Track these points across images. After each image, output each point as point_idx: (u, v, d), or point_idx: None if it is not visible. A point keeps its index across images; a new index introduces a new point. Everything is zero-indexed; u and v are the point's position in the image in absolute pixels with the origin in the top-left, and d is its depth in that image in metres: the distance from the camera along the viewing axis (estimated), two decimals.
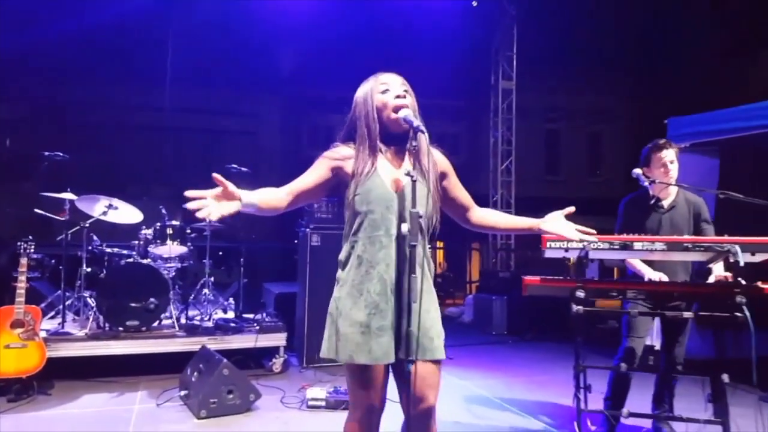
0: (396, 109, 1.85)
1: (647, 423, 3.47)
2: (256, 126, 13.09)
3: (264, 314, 4.99)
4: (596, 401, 3.08)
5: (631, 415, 3.03)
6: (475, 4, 9.11)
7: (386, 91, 1.89)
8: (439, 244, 15.94)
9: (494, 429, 3.54)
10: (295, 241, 5.37)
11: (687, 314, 2.83)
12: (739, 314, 2.61)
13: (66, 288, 4.54)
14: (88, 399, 3.85)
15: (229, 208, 1.68)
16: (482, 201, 9.12)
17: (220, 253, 5.81)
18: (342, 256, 1.90)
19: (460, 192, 2.06)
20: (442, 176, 1.99)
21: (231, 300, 5.37)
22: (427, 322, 1.83)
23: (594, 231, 2.07)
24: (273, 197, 1.84)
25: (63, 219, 4.46)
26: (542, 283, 3.21)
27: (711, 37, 10.08)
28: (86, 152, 7.68)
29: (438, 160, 1.98)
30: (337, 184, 1.92)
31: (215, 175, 1.70)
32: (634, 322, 3.25)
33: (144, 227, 4.77)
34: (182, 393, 3.79)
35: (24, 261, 3.88)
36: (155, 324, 4.52)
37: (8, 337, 3.74)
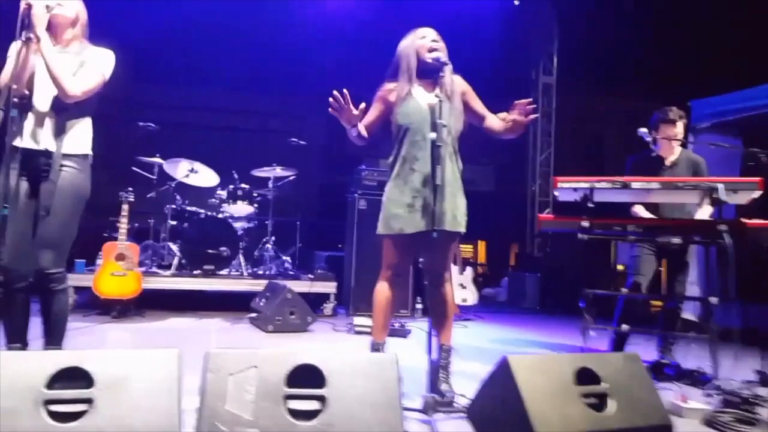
0: (431, 50, 2.54)
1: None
2: (301, 126, 13.97)
3: (317, 270, 5.70)
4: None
5: (631, 330, 3.55)
6: (516, 2, 9.56)
7: (424, 38, 2.59)
8: (481, 243, 16.46)
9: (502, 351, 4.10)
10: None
11: (675, 240, 3.30)
12: (720, 240, 3.11)
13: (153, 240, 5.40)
14: (175, 321, 4.64)
15: (352, 119, 2.49)
16: (522, 195, 9.41)
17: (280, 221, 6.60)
18: (390, 159, 2.58)
19: (477, 104, 2.75)
20: (463, 94, 2.69)
21: (288, 258, 6.10)
22: (453, 203, 2.49)
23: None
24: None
25: (153, 179, 5.32)
26: (555, 218, 3.78)
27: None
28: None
29: (458, 82, 2.66)
30: (389, 110, 2.61)
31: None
32: (639, 261, 3.77)
33: (219, 188, 5.58)
34: (252, 315, 4.52)
35: (125, 206, 4.70)
36: (226, 270, 5.30)
37: (112, 266, 4.56)
